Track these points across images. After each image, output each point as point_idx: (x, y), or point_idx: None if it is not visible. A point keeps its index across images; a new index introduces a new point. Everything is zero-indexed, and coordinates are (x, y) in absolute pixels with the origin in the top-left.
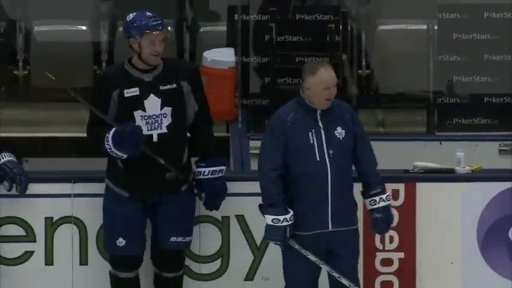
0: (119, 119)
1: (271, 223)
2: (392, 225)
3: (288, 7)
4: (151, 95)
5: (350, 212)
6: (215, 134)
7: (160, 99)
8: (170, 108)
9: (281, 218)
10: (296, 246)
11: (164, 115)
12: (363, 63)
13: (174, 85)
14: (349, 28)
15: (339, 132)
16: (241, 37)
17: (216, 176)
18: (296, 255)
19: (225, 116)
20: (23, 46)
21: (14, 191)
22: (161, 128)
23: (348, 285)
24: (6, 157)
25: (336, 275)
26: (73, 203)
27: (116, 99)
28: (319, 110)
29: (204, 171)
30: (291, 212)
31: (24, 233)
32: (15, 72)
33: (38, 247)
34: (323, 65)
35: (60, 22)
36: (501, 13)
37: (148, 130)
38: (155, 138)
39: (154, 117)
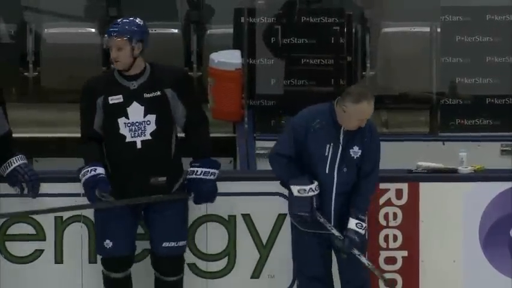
0: (104, 126)
1: (298, 194)
2: (354, 251)
3: (294, 10)
4: (134, 102)
5: None
6: (222, 135)
7: (143, 107)
8: (154, 115)
9: (307, 187)
10: (321, 220)
11: (148, 122)
12: (368, 65)
13: (158, 92)
14: (353, 30)
15: (355, 151)
16: (248, 39)
17: (208, 177)
18: (306, 246)
19: (232, 116)
20: (33, 48)
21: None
22: (144, 135)
23: (367, 264)
24: (19, 161)
25: (356, 252)
26: (82, 202)
27: (101, 106)
28: (344, 127)
29: (197, 171)
30: (316, 183)
31: (34, 232)
32: (25, 73)
33: (48, 245)
34: (367, 98)
35: (70, 25)
36: (503, 16)
37: (132, 137)
38: (139, 145)
39: (137, 124)
